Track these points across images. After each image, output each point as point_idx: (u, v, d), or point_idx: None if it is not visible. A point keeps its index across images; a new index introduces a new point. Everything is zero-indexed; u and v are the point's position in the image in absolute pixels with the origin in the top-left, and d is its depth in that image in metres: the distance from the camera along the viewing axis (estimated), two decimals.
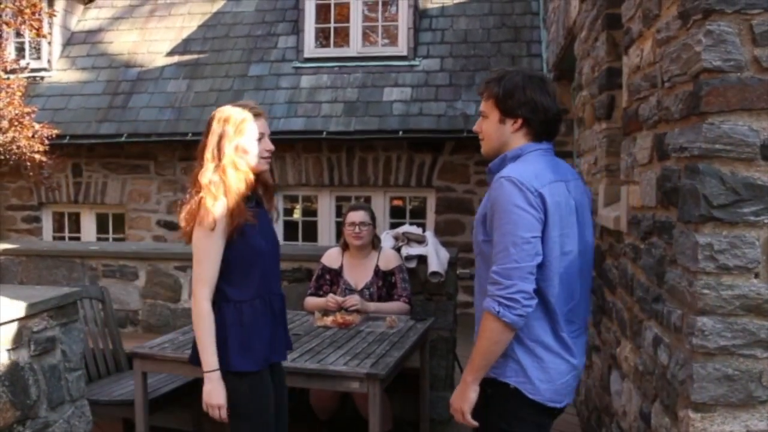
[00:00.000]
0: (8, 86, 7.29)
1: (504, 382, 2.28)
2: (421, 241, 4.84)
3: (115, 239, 9.18)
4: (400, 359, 3.47)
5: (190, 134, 8.41)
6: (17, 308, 2.90)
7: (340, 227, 5.43)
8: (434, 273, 4.64)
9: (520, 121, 2.36)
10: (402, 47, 8.76)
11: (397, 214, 8.71)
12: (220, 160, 2.63)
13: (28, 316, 2.96)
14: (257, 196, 2.81)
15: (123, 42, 9.63)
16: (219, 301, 2.66)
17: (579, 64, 4.84)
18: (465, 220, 8.24)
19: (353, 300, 4.23)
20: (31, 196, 9.28)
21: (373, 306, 4.31)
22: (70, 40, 9.82)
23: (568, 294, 2.29)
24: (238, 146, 2.65)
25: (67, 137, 8.51)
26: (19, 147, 7.27)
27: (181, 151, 8.83)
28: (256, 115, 2.71)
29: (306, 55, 8.90)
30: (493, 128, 2.42)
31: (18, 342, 2.90)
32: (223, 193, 2.60)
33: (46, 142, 7.56)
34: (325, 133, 8.19)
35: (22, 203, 9.34)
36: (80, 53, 9.67)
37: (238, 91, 8.73)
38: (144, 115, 8.74)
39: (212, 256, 2.63)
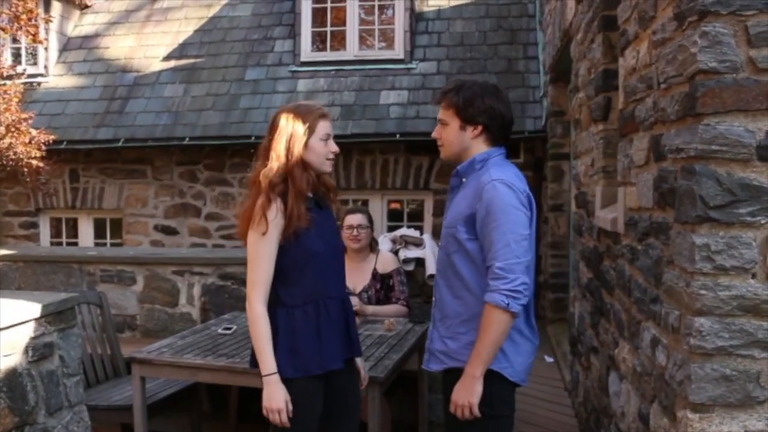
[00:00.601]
0: (5, 92, 7.30)
1: (488, 369, 2.47)
2: (418, 243, 4.85)
3: (112, 244, 9.17)
4: (398, 362, 3.47)
5: (187, 139, 8.41)
6: (15, 314, 2.89)
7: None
8: (432, 276, 4.64)
9: (480, 128, 2.57)
10: (398, 50, 8.77)
11: (395, 217, 8.71)
12: (288, 160, 2.60)
13: (26, 322, 2.95)
14: (317, 197, 2.76)
15: (119, 47, 9.63)
16: (273, 305, 2.62)
17: (575, 66, 4.85)
18: None
19: (351, 303, 4.22)
20: (28, 202, 9.27)
21: (371, 309, 4.31)
22: (67, 45, 9.82)
23: (532, 284, 2.53)
24: (307, 147, 2.63)
25: (64, 143, 8.50)
26: (16, 153, 7.27)
27: (178, 156, 8.83)
28: (323, 116, 2.68)
29: (303, 59, 8.91)
30: (453, 135, 2.61)
31: (16, 348, 2.90)
32: (288, 194, 2.57)
33: (43, 147, 7.56)
34: None
35: (20, 209, 9.32)
36: (77, 58, 9.66)
37: (235, 95, 8.73)
38: (141, 119, 8.74)
39: (266, 259, 2.59)
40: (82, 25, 10.08)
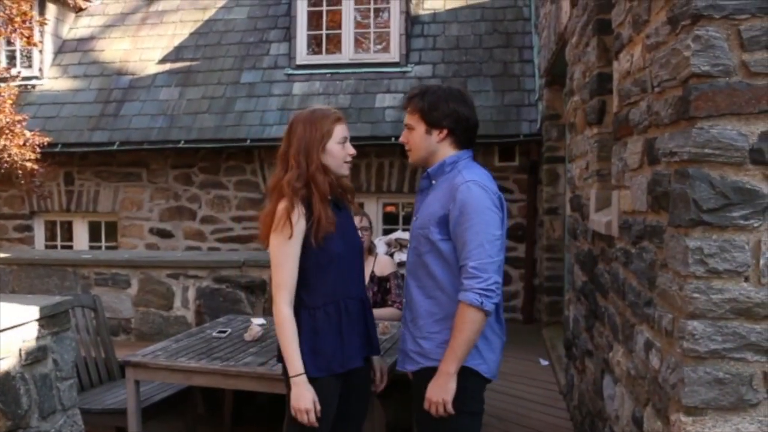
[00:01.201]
0: None
1: (462, 365, 2.52)
2: None
3: (107, 247, 9.15)
4: (392, 365, 3.46)
5: (182, 142, 8.41)
6: (8, 317, 2.89)
7: None
8: None
9: (445, 132, 2.64)
10: (394, 54, 8.78)
11: (390, 220, 8.71)
12: (308, 165, 2.63)
13: (20, 325, 2.94)
14: (335, 198, 2.78)
15: (115, 50, 9.62)
16: (296, 307, 2.65)
17: (570, 70, 4.86)
18: None
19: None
20: (22, 205, 9.24)
21: None
22: (62, 48, 9.80)
23: (502, 282, 2.59)
24: (325, 150, 2.66)
25: (59, 145, 8.49)
26: (10, 155, 7.25)
27: (173, 159, 8.82)
28: (338, 120, 2.73)
29: (298, 62, 8.91)
30: (419, 139, 2.68)
31: (9, 351, 2.89)
32: (312, 199, 2.61)
33: (38, 150, 7.55)
34: None
35: (14, 212, 9.30)
36: (72, 61, 9.65)
37: (231, 98, 8.73)
38: (136, 122, 8.73)
39: (291, 262, 2.62)
40: (77, 27, 10.07)
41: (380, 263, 4.48)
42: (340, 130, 2.72)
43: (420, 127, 2.66)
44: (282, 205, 2.61)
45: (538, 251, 7.91)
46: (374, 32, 9.08)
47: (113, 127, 8.74)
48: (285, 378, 2.69)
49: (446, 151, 2.66)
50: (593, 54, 3.80)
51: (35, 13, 8.24)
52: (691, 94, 1.99)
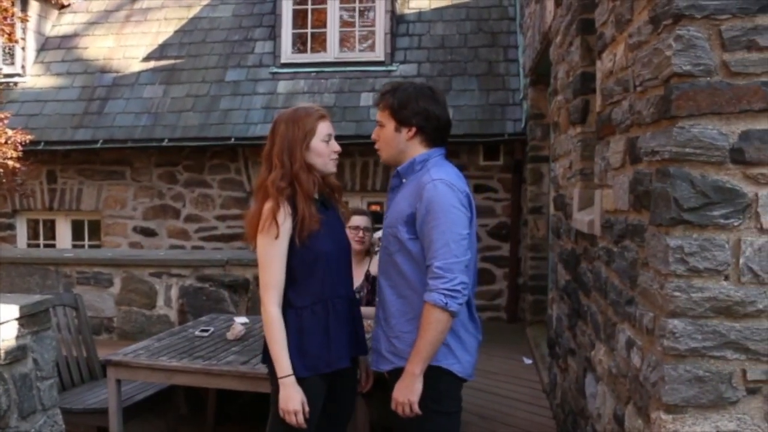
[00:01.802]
0: None
1: (435, 365, 2.52)
2: None
3: (91, 246, 9.09)
4: None
5: (166, 140, 8.36)
6: None
7: None
8: None
9: (414, 130, 2.61)
10: (379, 52, 8.78)
11: (375, 220, 8.66)
12: (292, 164, 2.62)
13: None
14: (323, 197, 2.77)
15: (98, 47, 9.55)
16: (284, 306, 2.63)
17: (554, 69, 4.87)
18: None
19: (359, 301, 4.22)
20: (4, 204, 9.16)
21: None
22: (45, 45, 9.72)
23: (473, 281, 2.62)
24: (309, 149, 2.65)
25: (42, 143, 8.43)
26: None
27: (157, 157, 8.78)
28: (322, 117, 2.71)
29: (283, 60, 8.88)
30: (389, 136, 2.65)
31: None
32: (296, 198, 2.59)
33: (20, 148, 7.48)
34: None
35: None
36: (55, 58, 9.57)
37: (215, 96, 8.69)
38: (120, 120, 8.67)
39: (278, 262, 2.61)
40: (60, 24, 9.99)
41: (376, 263, 4.49)
42: (324, 128, 2.71)
43: (390, 125, 2.64)
44: (268, 206, 2.60)
45: (522, 250, 7.93)
46: (359, 31, 9.07)
47: (97, 125, 8.68)
48: (271, 378, 2.67)
49: (416, 149, 2.64)
50: (577, 53, 3.82)
51: (17, 9, 8.18)
52: (672, 93, 2.00)
